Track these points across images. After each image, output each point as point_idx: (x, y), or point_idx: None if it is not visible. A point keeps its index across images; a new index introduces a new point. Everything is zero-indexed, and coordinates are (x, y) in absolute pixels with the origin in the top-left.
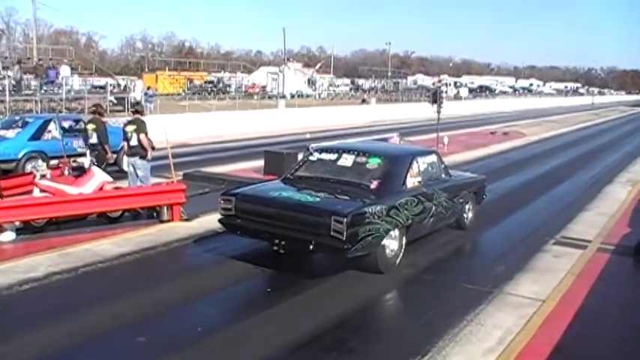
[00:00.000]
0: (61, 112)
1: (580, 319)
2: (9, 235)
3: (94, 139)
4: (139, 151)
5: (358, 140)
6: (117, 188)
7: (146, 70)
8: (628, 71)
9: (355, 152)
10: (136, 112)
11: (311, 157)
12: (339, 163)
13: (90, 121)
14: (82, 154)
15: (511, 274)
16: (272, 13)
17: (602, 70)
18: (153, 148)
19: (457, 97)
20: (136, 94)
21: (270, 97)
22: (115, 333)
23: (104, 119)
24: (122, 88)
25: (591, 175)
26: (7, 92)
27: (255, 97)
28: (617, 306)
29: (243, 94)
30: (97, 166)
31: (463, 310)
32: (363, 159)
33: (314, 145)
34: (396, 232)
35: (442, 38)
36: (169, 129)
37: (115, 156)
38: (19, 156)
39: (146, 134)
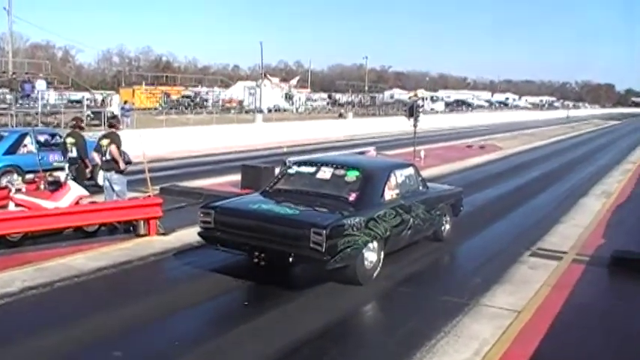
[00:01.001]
0: (36, 126)
1: (556, 329)
2: None
3: (73, 153)
4: (114, 166)
5: (335, 154)
6: (93, 202)
7: (123, 84)
8: (602, 85)
9: (334, 165)
10: (111, 125)
11: (290, 171)
12: (318, 176)
13: (69, 135)
14: (58, 169)
15: (487, 285)
16: (249, 28)
17: (576, 84)
18: (129, 163)
19: (433, 111)
20: (113, 109)
21: (247, 112)
22: (91, 348)
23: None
24: (100, 102)
25: (567, 187)
26: None
27: (233, 111)
28: (593, 316)
29: (221, 108)
30: (76, 180)
31: (440, 322)
32: (342, 172)
33: (291, 158)
34: (374, 244)
35: (419, 53)
36: (147, 143)
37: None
38: None
39: (118, 146)
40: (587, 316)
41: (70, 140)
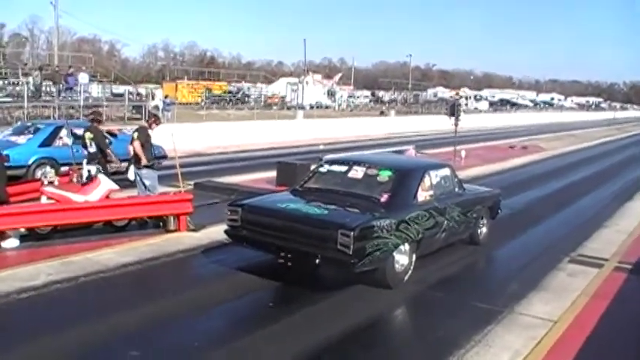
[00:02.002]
0: (78, 119)
1: (592, 342)
2: (13, 242)
3: (93, 148)
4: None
5: (373, 152)
6: (130, 197)
7: (167, 78)
8: None
9: (366, 164)
10: (147, 121)
11: (321, 169)
12: (350, 175)
13: (87, 130)
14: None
15: (523, 292)
16: (294, 25)
17: (624, 85)
18: (164, 157)
19: (477, 110)
20: (156, 102)
21: (289, 108)
22: (108, 346)
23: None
24: (142, 96)
25: (611, 190)
26: (25, 98)
27: (274, 107)
28: (632, 329)
29: (263, 104)
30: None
31: (472, 330)
32: (374, 171)
33: (327, 156)
34: (405, 247)
35: (464, 51)
36: (185, 138)
37: (124, 164)
38: (29, 162)
39: (141, 143)
40: (626, 329)
41: (88, 135)
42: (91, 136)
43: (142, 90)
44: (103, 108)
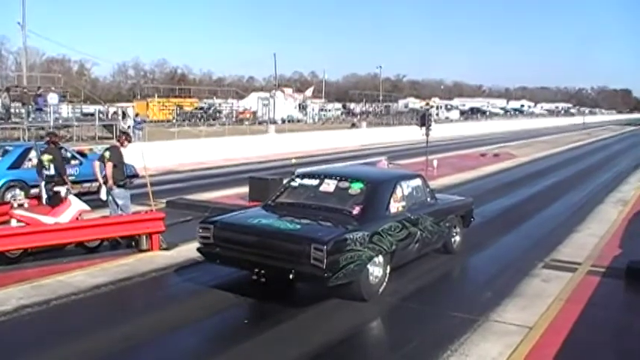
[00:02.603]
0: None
1: (568, 347)
2: None
3: (50, 171)
4: (114, 179)
5: (345, 164)
6: (104, 217)
7: (138, 97)
8: (618, 90)
9: (337, 177)
10: (118, 140)
11: (292, 183)
12: (321, 188)
13: (45, 152)
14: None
15: (498, 300)
16: (265, 39)
17: (592, 90)
18: (135, 176)
19: (448, 119)
20: (129, 123)
21: (260, 123)
22: None
23: (60, 147)
24: (111, 115)
25: (582, 195)
26: None
27: (246, 122)
28: (608, 333)
29: (234, 120)
30: (53, 200)
31: (447, 340)
32: (345, 184)
33: (299, 170)
34: (380, 259)
35: (433, 61)
36: (157, 156)
37: (95, 184)
38: None
39: (114, 163)
40: (601, 333)
41: (47, 157)
42: (50, 157)
43: (112, 109)
44: (74, 128)
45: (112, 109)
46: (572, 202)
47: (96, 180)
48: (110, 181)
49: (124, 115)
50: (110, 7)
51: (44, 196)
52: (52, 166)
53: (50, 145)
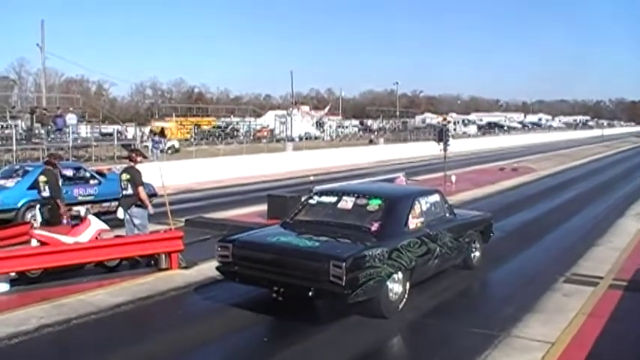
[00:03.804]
0: (67, 160)
1: None
2: (3, 287)
3: (46, 192)
4: (133, 200)
5: (363, 181)
6: (118, 236)
7: (156, 116)
8: (637, 102)
9: (355, 194)
10: (130, 159)
11: (311, 201)
12: (340, 205)
13: (41, 173)
14: (83, 203)
15: (519, 315)
16: (281, 57)
17: (610, 102)
18: (154, 195)
19: (465, 134)
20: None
21: (278, 141)
22: None
23: (56, 170)
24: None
25: (602, 208)
26: (14, 141)
27: (264, 140)
28: (632, 347)
29: (252, 138)
30: (48, 222)
31: (468, 356)
32: (364, 201)
33: (317, 187)
34: (399, 275)
35: (450, 76)
36: (175, 175)
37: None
38: (19, 205)
39: (143, 186)
40: (625, 348)
41: (42, 178)
42: (45, 179)
43: (130, 129)
44: (92, 148)
45: (131, 129)
46: (593, 216)
47: (115, 199)
48: (148, 204)
49: (163, 132)
50: (127, 28)
51: (38, 218)
52: (46, 187)
53: (47, 166)
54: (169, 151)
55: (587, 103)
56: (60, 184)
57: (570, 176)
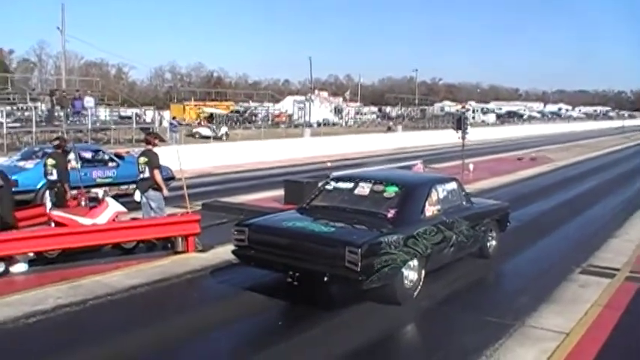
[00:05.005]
0: (86, 142)
1: (606, 354)
2: (21, 267)
3: (54, 176)
4: (150, 184)
5: (380, 168)
6: (133, 219)
7: (174, 100)
8: None
9: (372, 181)
10: (147, 142)
11: (327, 187)
12: (356, 192)
13: (50, 156)
14: (101, 185)
15: (534, 305)
16: (301, 43)
17: (632, 93)
18: (172, 178)
19: (484, 123)
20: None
21: (296, 126)
22: None
23: (65, 153)
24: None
25: (620, 200)
26: (34, 123)
27: (282, 125)
28: None
29: (270, 123)
30: (56, 205)
31: (482, 345)
32: (380, 187)
33: (334, 173)
34: (414, 263)
35: (470, 65)
36: (193, 158)
37: (132, 186)
38: (38, 186)
39: (160, 170)
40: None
41: (50, 162)
42: (53, 162)
43: (149, 112)
44: (111, 131)
45: (149, 112)
46: (610, 207)
47: (133, 182)
48: (164, 188)
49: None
50: (147, 12)
51: (48, 203)
52: (54, 171)
53: (56, 149)
54: (224, 138)
55: (608, 93)
56: (69, 168)
57: (588, 167)
